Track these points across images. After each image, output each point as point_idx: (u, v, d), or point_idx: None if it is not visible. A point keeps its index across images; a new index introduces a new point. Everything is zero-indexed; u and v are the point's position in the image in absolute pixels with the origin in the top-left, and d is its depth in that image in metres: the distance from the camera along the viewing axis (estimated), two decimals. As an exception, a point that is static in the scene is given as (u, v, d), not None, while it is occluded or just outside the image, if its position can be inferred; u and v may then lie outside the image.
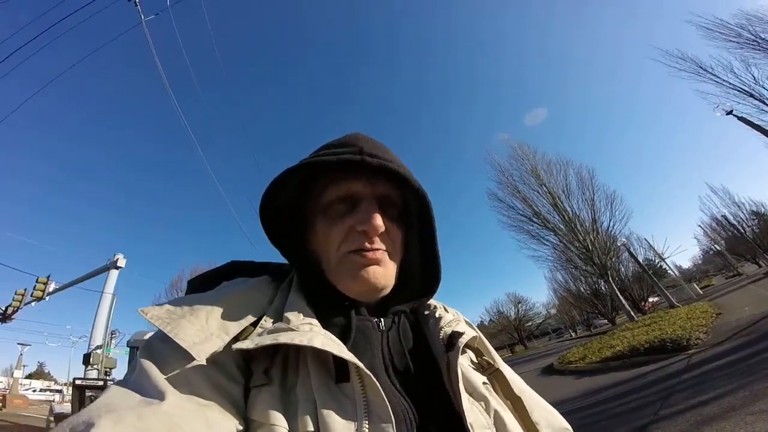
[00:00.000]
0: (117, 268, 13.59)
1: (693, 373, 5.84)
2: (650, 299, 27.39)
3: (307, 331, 0.48)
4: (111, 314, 13.44)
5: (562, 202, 20.80)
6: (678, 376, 5.87)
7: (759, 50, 15.54)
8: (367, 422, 0.43)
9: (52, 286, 14.41)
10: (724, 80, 16.57)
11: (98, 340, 12.71)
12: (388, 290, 0.62)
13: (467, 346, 0.65)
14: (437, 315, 0.67)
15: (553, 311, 55.77)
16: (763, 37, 15.46)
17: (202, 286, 0.62)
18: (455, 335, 0.60)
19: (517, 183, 22.46)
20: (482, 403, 0.56)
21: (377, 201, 0.61)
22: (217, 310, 0.50)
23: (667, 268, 35.99)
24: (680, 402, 4.54)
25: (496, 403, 0.58)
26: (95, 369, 11.22)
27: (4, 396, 22.58)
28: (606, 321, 32.84)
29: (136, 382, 0.41)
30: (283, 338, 0.46)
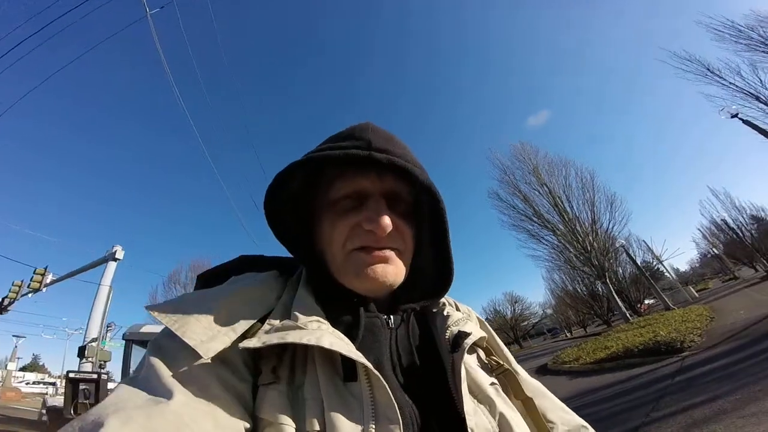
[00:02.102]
0: (115, 260, 13.53)
1: (686, 375, 5.86)
2: (646, 301, 27.47)
3: (315, 330, 0.48)
4: (107, 307, 13.43)
5: (562, 203, 21.07)
6: (671, 378, 5.89)
7: (768, 53, 15.28)
8: (374, 422, 0.43)
9: (49, 278, 14.33)
10: (730, 83, 16.57)
11: (94, 332, 12.64)
12: (395, 287, 0.60)
13: (477, 345, 0.65)
14: (445, 313, 0.65)
15: (549, 311, 56.06)
16: (773, 39, 15.09)
17: (210, 282, 0.61)
18: (461, 335, 0.58)
19: (519, 182, 22.91)
20: (487, 406, 0.55)
21: (386, 197, 0.60)
22: (225, 307, 0.49)
23: (665, 271, 35.95)
24: (672, 404, 4.56)
25: (504, 405, 0.56)
26: (90, 362, 11.20)
27: (-4, 388, 22.60)
28: (601, 322, 32.94)
29: (144, 380, 0.41)
30: (291, 337, 0.45)
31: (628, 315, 19.11)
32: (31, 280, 14.06)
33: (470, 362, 0.60)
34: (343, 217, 0.59)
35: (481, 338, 0.64)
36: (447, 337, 0.59)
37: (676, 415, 4.11)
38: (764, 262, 33.66)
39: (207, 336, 0.44)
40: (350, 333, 0.53)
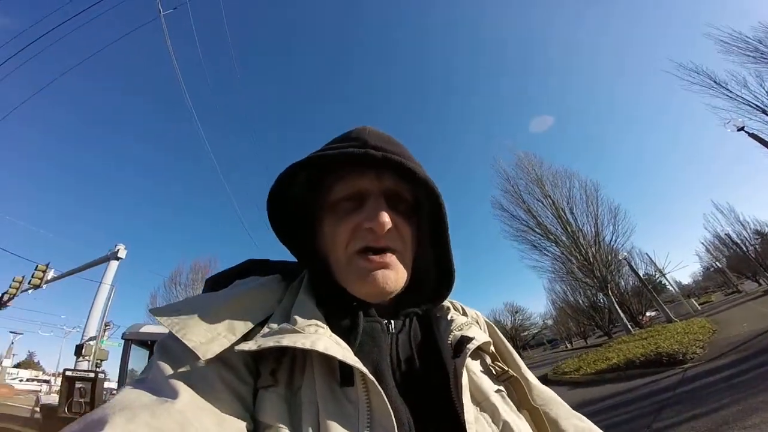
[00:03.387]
0: (117, 258, 13.55)
1: (688, 387, 5.80)
2: (648, 313, 27.25)
3: (312, 333, 0.47)
4: (108, 306, 13.44)
5: (566, 215, 20.86)
6: (672, 390, 5.83)
7: (776, 65, 15.04)
8: (369, 428, 0.42)
9: (50, 274, 14.32)
10: (737, 95, 16.37)
11: (92, 331, 12.63)
12: (397, 292, 0.60)
13: (482, 350, 0.63)
14: (449, 317, 0.64)
15: (549, 322, 55.74)
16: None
17: (216, 285, 0.63)
18: (464, 340, 0.57)
19: (522, 192, 22.57)
20: (490, 414, 0.53)
21: (385, 196, 0.60)
22: (226, 310, 0.50)
23: (667, 284, 35.73)
24: (674, 415, 4.50)
25: (509, 412, 0.55)
26: (86, 360, 11.17)
27: (-11, 384, 22.70)
28: (602, 333, 32.74)
29: (150, 380, 0.42)
30: (286, 341, 0.45)
31: (629, 326, 18.90)
32: (32, 276, 14.07)
33: (474, 368, 0.59)
34: (344, 219, 0.59)
35: (486, 343, 0.62)
36: (449, 341, 0.59)
37: (679, 426, 4.06)
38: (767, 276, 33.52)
39: (206, 338, 0.45)
40: (349, 338, 0.52)
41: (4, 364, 33.24)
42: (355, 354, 0.48)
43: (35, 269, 14.16)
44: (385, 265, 0.57)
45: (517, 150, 24.88)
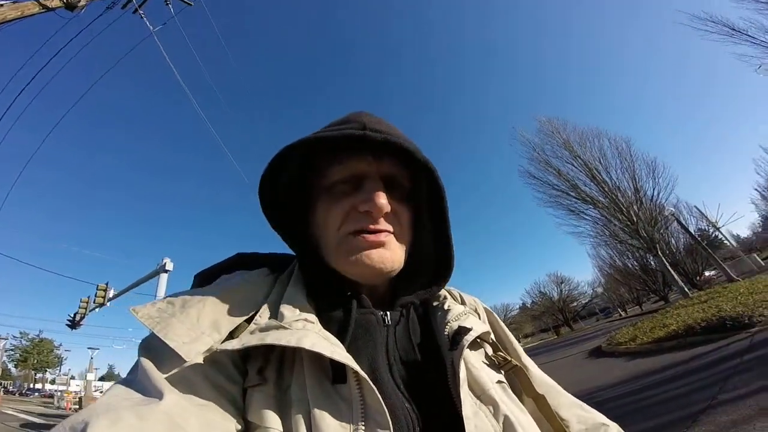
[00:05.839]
0: (165, 271, 14.27)
1: (757, 353, 5.40)
2: (706, 273, 25.55)
3: (299, 329, 0.45)
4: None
5: (600, 173, 19.75)
6: (739, 357, 5.47)
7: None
8: (363, 426, 0.41)
9: (111, 293, 15.44)
10: (762, 41, 15.63)
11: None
12: (393, 273, 0.58)
13: (482, 339, 0.63)
14: (446, 307, 0.62)
15: (599, 290, 53.80)
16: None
17: (205, 281, 0.60)
18: (461, 331, 0.56)
19: (550, 158, 21.61)
20: (491, 407, 0.51)
21: (383, 180, 0.58)
22: (210, 307, 0.48)
23: (723, 238, 33.22)
24: (742, 385, 4.21)
25: (511, 405, 0.54)
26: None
27: (80, 398, 25.52)
28: (658, 298, 31.18)
29: (136, 380, 0.41)
30: (270, 338, 0.43)
31: (686, 289, 17.80)
32: (95, 296, 15.25)
33: (473, 360, 0.57)
34: (339, 200, 0.57)
35: (485, 333, 0.61)
36: (446, 333, 0.57)
37: (747, 398, 3.79)
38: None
39: (190, 337, 0.43)
40: (341, 331, 0.51)
41: (89, 377, 36.10)
42: (348, 348, 0.47)
43: (97, 289, 15.32)
44: (380, 244, 0.55)
45: (539, 116, 23.72)
